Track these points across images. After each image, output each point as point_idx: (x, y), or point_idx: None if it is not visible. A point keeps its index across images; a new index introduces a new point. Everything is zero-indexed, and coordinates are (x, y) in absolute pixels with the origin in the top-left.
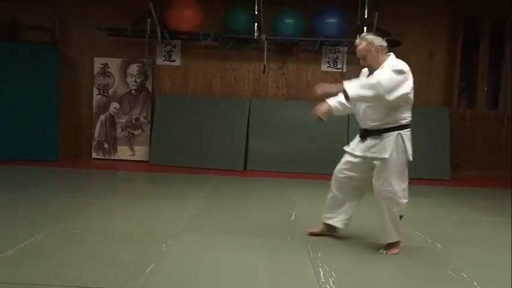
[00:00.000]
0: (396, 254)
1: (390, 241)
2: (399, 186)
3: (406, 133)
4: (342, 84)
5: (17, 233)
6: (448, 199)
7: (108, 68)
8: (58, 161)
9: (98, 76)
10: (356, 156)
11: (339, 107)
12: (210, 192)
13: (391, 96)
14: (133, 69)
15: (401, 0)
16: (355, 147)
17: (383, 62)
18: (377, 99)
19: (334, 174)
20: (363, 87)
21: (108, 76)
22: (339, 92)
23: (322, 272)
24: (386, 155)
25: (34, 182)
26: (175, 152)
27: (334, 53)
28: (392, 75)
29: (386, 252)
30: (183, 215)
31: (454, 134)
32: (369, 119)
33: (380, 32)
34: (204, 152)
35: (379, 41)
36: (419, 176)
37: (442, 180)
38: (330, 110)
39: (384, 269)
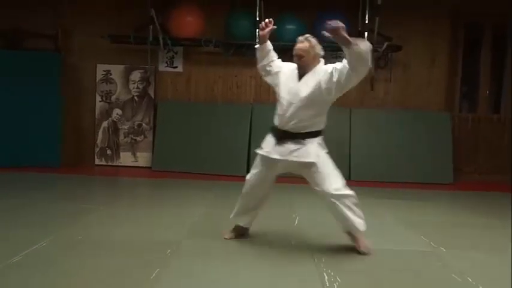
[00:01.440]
0: (368, 247)
1: (361, 229)
2: (338, 181)
3: (322, 140)
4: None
5: (21, 239)
6: (451, 203)
7: (111, 74)
8: (61, 167)
9: (100, 83)
10: (273, 160)
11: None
12: (213, 198)
13: (362, 74)
14: (136, 75)
15: (402, 5)
16: (271, 150)
17: (313, 68)
18: (363, 70)
19: (247, 179)
20: (366, 51)
21: (111, 83)
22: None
23: (326, 277)
24: (312, 159)
25: (37, 188)
26: (178, 158)
27: (336, 58)
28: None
29: (360, 247)
30: (187, 221)
31: (456, 138)
32: (297, 119)
33: (381, 37)
34: (206, 157)
35: (320, 49)
36: (421, 180)
37: (445, 185)
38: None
39: (388, 273)
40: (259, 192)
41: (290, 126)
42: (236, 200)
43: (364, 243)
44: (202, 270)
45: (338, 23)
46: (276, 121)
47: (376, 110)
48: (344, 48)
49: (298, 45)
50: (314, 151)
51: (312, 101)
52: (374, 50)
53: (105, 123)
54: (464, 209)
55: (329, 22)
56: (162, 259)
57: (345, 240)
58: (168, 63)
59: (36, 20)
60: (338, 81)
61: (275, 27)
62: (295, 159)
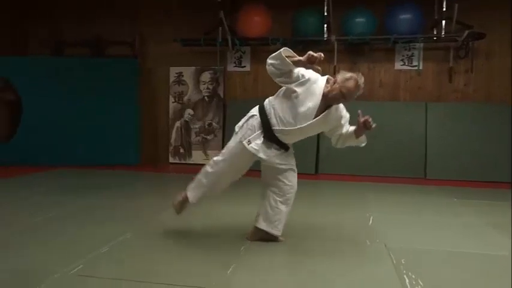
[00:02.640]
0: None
1: (275, 233)
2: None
3: None
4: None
5: (108, 232)
6: None
7: (183, 76)
8: (139, 165)
9: (173, 84)
10: (257, 157)
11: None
12: None
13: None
14: (206, 76)
15: None
16: (259, 148)
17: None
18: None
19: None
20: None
21: (183, 84)
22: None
23: (407, 280)
24: (293, 164)
25: (119, 186)
26: None
27: (409, 50)
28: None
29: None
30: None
31: None
32: (295, 139)
33: (461, 25)
34: None
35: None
36: (482, 178)
37: (507, 183)
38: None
39: (474, 278)
40: (227, 181)
41: (284, 138)
42: (304, 197)
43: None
44: (274, 269)
45: (370, 122)
46: (275, 125)
47: (455, 104)
48: (357, 134)
49: (349, 84)
50: (292, 158)
51: (316, 132)
52: (453, 40)
53: (178, 123)
54: None
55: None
56: (236, 256)
57: (424, 241)
58: (236, 63)
59: (115, 28)
60: (333, 132)
61: (318, 68)
62: (281, 161)
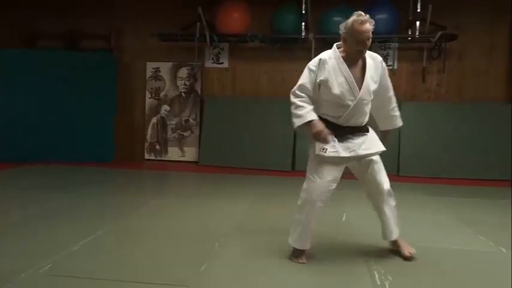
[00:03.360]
0: (411, 251)
1: (395, 238)
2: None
3: None
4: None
5: (79, 230)
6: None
7: (160, 72)
8: (114, 162)
9: (150, 80)
10: (344, 159)
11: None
12: (258, 193)
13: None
14: (183, 72)
15: None
16: (338, 148)
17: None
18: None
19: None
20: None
21: (160, 80)
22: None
23: (377, 275)
24: (382, 148)
25: (92, 182)
26: (224, 152)
27: (385, 50)
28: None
29: (409, 254)
30: (233, 215)
31: None
32: (359, 115)
33: (434, 26)
34: (252, 152)
35: None
36: (480, 176)
37: (506, 181)
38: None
39: (443, 273)
40: (324, 200)
41: (352, 122)
42: (280, 194)
43: (407, 250)
44: (249, 264)
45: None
46: (330, 118)
47: (428, 103)
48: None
49: (366, 28)
50: (377, 140)
51: (371, 94)
52: (426, 40)
53: (154, 119)
54: None
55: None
56: (210, 252)
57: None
58: (214, 59)
59: (90, 21)
60: (382, 85)
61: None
62: (365, 152)
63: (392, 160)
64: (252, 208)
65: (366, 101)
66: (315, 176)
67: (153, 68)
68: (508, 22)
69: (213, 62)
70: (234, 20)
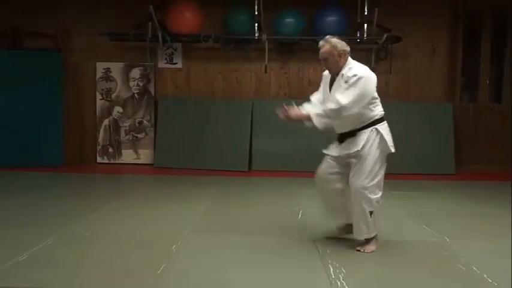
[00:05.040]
0: (373, 251)
1: (361, 238)
2: (370, 180)
3: (382, 126)
4: (309, 116)
5: (27, 238)
6: (453, 193)
7: (111, 72)
8: (64, 166)
9: (100, 81)
10: (332, 157)
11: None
12: (216, 193)
13: (357, 109)
14: (136, 73)
15: None
16: (332, 148)
17: (343, 66)
18: (346, 118)
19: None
20: (328, 116)
21: (111, 80)
22: (306, 119)
23: (332, 268)
24: (357, 148)
25: (40, 187)
26: (180, 154)
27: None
28: (350, 91)
29: (363, 250)
30: (191, 216)
31: (458, 128)
32: (344, 125)
33: (380, 29)
34: (208, 153)
35: (342, 46)
36: (424, 171)
37: (447, 175)
38: (307, 118)
39: (392, 263)
40: (326, 189)
41: (341, 129)
42: (238, 194)
43: (367, 248)
44: (207, 265)
45: (285, 112)
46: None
47: None
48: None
49: (321, 50)
50: (362, 139)
51: None
52: (373, 42)
53: (106, 121)
54: (467, 199)
55: (280, 112)
56: (167, 255)
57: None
58: (168, 59)
59: (35, 19)
60: None
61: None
62: (345, 151)
63: None
64: (210, 209)
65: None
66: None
67: (104, 69)
68: (448, 26)
69: (167, 63)
70: (187, 20)
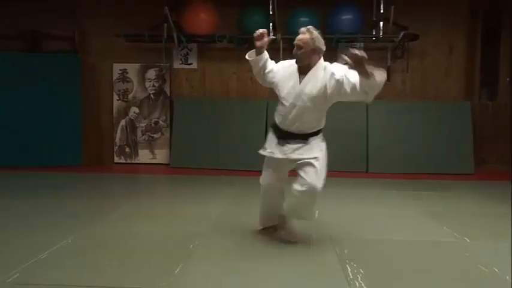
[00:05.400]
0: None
1: (315, 217)
2: (322, 181)
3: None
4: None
5: (48, 237)
6: (472, 193)
7: (127, 73)
8: (82, 166)
9: (117, 82)
10: (277, 160)
11: (262, 62)
12: (232, 193)
13: (371, 97)
14: (151, 73)
15: None
16: (274, 150)
17: (313, 64)
18: (319, 112)
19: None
20: (375, 86)
21: (127, 81)
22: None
23: (350, 269)
24: (314, 155)
25: (60, 188)
26: (195, 154)
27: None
28: (353, 76)
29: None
30: (208, 216)
31: (477, 127)
32: (300, 122)
33: (397, 26)
34: (223, 153)
35: (321, 43)
36: (442, 171)
37: (466, 175)
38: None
39: (413, 264)
40: (275, 193)
41: (293, 128)
42: (253, 194)
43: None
44: (225, 265)
45: (363, 53)
46: (278, 120)
47: (393, 101)
48: (361, 78)
49: (299, 36)
50: (317, 147)
51: (315, 104)
52: (390, 40)
53: (122, 122)
54: (486, 199)
55: (354, 50)
56: (185, 254)
57: (366, 232)
58: (183, 60)
59: (53, 22)
60: (346, 94)
61: (273, 37)
62: (298, 156)
63: (361, 158)
64: (226, 209)
65: (300, 108)
66: (263, 171)
67: (120, 70)
68: (467, 23)
69: (182, 63)
70: (202, 20)
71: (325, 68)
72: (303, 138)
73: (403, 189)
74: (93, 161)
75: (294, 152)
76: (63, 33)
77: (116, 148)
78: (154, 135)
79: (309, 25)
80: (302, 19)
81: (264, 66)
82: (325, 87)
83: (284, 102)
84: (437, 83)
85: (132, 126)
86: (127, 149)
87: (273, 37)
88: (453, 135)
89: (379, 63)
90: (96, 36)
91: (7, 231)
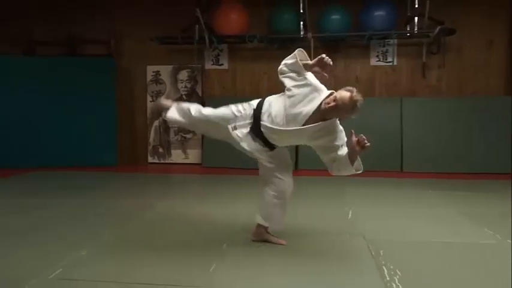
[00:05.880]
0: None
1: (257, 221)
2: None
3: None
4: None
5: (86, 235)
6: None
7: (160, 75)
8: (117, 166)
9: (150, 83)
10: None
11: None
12: None
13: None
14: (184, 75)
15: None
16: (243, 137)
17: (334, 120)
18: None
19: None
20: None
21: (160, 83)
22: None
23: (386, 270)
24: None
25: (96, 187)
26: (227, 154)
27: (384, 46)
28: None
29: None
30: (241, 215)
31: None
32: (275, 137)
33: (432, 21)
34: None
35: (352, 114)
36: (481, 170)
37: (507, 174)
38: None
39: (452, 267)
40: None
41: (269, 136)
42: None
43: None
44: (258, 265)
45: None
46: (264, 116)
47: (428, 99)
48: (349, 157)
49: (344, 95)
50: (283, 157)
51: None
52: (425, 36)
53: (156, 123)
54: None
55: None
56: (218, 253)
57: (401, 232)
58: (214, 61)
59: (90, 27)
60: (323, 151)
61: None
62: (265, 163)
63: (395, 157)
64: (257, 208)
65: (294, 137)
66: (209, 119)
67: (154, 72)
68: (507, 15)
69: (213, 64)
70: (232, 21)
71: (332, 124)
72: (272, 146)
73: (439, 188)
74: (128, 161)
75: (262, 153)
76: (99, 38)
77: (149, 148)
78: (187, 136)
79: (341, 22)
80: (333, 17)
81: (295, 75)
82: (322, 137)
83: (282, 121)
84: (476, 79)
85: (165, 127)
86: (160, 149)
87: (325, 75)
88: (492, 132)
89: (413, 59)
90: (130, 40)
91: (47, 228)
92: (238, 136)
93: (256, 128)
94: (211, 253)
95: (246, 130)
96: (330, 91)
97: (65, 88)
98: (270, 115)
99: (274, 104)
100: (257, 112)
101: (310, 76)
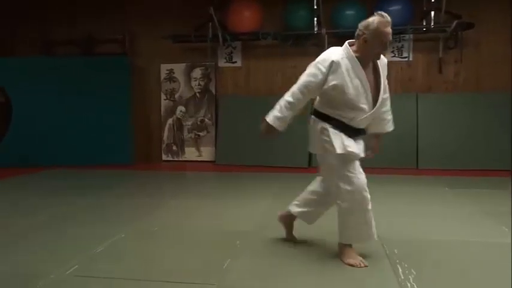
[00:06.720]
0: (350, 265)
1: (346, 241)
2: None
3: None
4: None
5: (101, 232)
6: None
7: (174, 73)
8: (132, 163)
9: (164, 82)
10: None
11: (284, 121)
12: (277, 190)
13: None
14: (197, 72)
15: None
16: (355, 148)
17: None
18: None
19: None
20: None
21: (174, 81)
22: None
23: (400, 269)
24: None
25: (111, 184)
26: (240, 151)
27: (399, 42)
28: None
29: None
30: (253, 213)
31: None
32: (375, 115)
33: (449, 15)
34: (268, 150)
35: None
36: (499, 167)
37: (497, 171)
38: (276, 130)
39: (469, 266)
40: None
41: (362, 125)
42: (298, 191)
43: (343, 257)
44: (272, 262)
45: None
46: (346, 120)
47: (445, 94)
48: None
49: (390, 29)
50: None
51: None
52: (442, 30)
53: (170, 121)
54: None
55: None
56: (232, 250)
57: (417, 231)
58: (227, 58)
59: (105, 26)
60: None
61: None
62: (362, 152)
63: (411, 154)
64: (272, 205)
65: (379, 101)
66: (350, 174)
67: (167, 70)
68: None
69: (226, 62)
70: (246, 18)
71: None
72: (363, 133)
73: (456, 186)
74: (143, 159)
75: (362, 147)
76: (113, 37)
77: (163, 146)
78: (200, 133)
79: (355, 17)
80: (348, 12)
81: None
82: (384, 78)
83: (351, 103)
84: (494, 74)
85: (179, 125)
86: (174, 147)
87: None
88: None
89: (430, 54)
90: (145, 39)
91: (63, 225)
92: (356, 151)
93: (352, 130)
94: (225, 251)
95: (349, 140)
96: (337, 48)
97: (81, 87)
98: (342, 110)
99: (337, 104)
100: (336, 122)
101: (319, 65)
